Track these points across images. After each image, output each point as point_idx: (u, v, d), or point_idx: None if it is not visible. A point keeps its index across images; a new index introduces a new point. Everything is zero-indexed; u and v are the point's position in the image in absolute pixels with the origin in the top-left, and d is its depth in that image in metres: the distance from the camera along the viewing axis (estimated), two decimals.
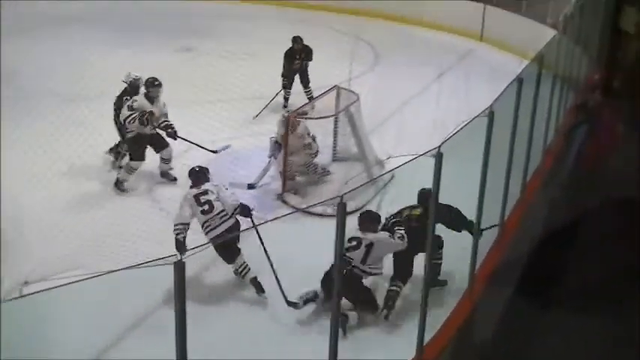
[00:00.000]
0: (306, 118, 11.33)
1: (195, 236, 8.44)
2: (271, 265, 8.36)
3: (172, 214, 9.56)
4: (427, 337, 7.02)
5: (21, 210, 9.52)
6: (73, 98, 13.65)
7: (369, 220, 8.34)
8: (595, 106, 15.65)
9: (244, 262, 8.59)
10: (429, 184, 6.52)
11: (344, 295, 7.99)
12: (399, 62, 18.09)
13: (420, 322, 6.95)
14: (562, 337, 8.04)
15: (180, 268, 4.26)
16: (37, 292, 4.12)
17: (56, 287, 4.08)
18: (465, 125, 6.81)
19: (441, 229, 8.34)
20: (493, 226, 8.79)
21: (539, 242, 9.86)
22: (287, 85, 14.69)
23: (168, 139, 11.36)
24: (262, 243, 8.29)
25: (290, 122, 11.02)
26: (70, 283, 4.08)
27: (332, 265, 7.90)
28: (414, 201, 8.59)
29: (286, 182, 11.04)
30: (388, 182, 11.19)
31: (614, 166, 12.35)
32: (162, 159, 11.50)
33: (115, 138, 11.79)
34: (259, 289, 8.58)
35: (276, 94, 14.58)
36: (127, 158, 11.50)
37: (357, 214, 8.35)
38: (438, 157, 6.24)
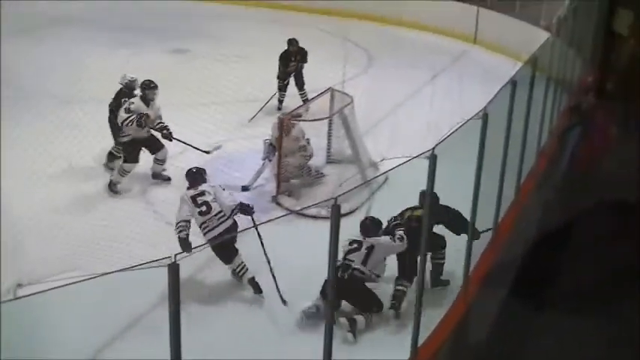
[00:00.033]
0: (300, 121, 11.33)
1: (193, 237, 8.46)
2: (269, 263, 8.37)
3: (166, 217, 9.59)
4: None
5: (17, 211, 9.49)
6: (69, 100, 13.62)
7: (370, 226, 8.41)
8: (588, 109, 15.67)
9: (242, 263, 8.59)
10: (423, 186, 6.53)
11: (347, 299, 8.04)
12: (392, 64, 18.11)
13: (415, 324, 6.96)
14: (556, 339, 8.05)
15: (174, 270, 4.26)
16: (32, 294, 4.11)
17: (51, 289, 4.08)
18: (459, 127, 6.82)
19: (442, 230, 8.42)
20: (488, 230, 8.82)
21: (533, 244, 9.87)
22: (282, 88, 14.69)
23: (164, 141, 11.35)
24: (262, 242, 8.29)
25: (285, 125, 11.03)
26: (64, 286, 4.08)
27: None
28: (408, 203, 8.61)
29: (280, 184, 11.03)
30: (382, 184, 11.18)
31: (608, 169, 12.36)
32: (157, 160, 11.48)
33: (110, 142, 11.78)
34: (257, 289, 8.59)
35: (272, 97, 14.59)
36: (119, 160, 11.51)
37: (351, 216, 8.37)
38: (432, 159, 6.25)
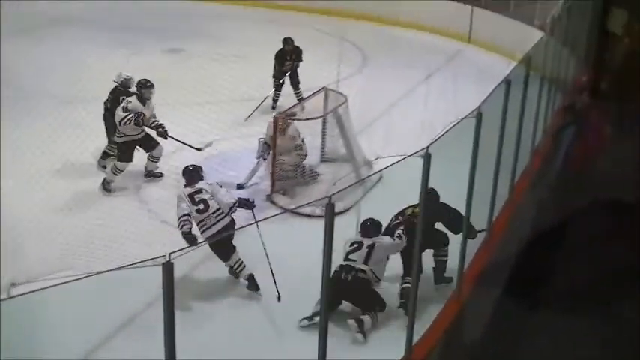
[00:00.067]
0: (294, 120, 11.33)
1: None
2: (267, 258, 8.37)
3: (161, 215, 9.60)
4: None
5: (12, 211, 9.48)
6: (69, 99, 13.63)
7: (371, 227, 8.47)
8: (583, 108, 15.70)
9: (239, 259, 8.61)
10: (417, 185, 6.53)
11: (349, 300, 8.04)
12: (386, 64, 18.13)
13: (409, 322, 6.97)
14: (550, 338, 8.07)
15: (168, 268, 4.26)
16: (26, 293, 4.11)
17: (45, 288, 4.07)
18: (453, 126, 6.83)
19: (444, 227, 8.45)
20: (482, 231, 8.84)
21: (527, 243, 9.89)
22: (277, 87, 14.69)
23: (158, 139, 11.35)
24: (261, 237, 8.29)
25: (280, 124, 11.03)
26: (58, 284, 4.08)
27: (333, 273, 7.99)
28: (402, 201, 8.62)
29: (275, 183, 11.03)
30: (376, 183, 11.21)
31: (602, 168, 12.39)
32: (152, 157, 11.48)
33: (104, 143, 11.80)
34: (254, 286, 8.60)
35: (267, 96, 14.58)
36: (112, 159, 11.52)
37: (345, 215, 8.38)
38: (426, 158, 6.26)
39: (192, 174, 8.91)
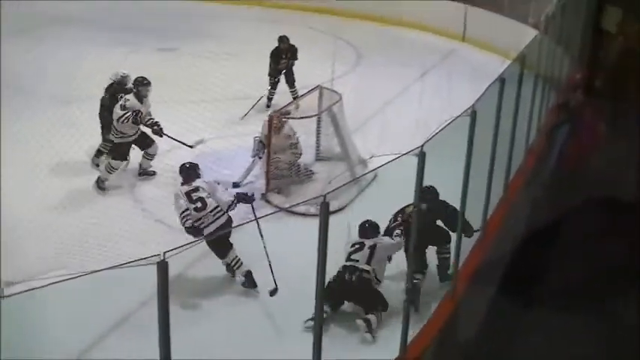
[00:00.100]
0: (288, 118, 11.32)
1: (183, 236, 8.45)
2: (265, 252, 8.38)
3: (155, 214, 9.59)
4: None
5: (6, 210, 9.47)
6: (64, 99, 13.62)
7: (369, 229, 8.50)
8: (577, 106, 15.71)
9: (237, 257, 8.62)
10: (412, 183, 6.54)
11: (352, 300, 8.04)
12: (381, 62, 18.12)
13: (404, 321, 6.97)
14: (544, 336, 8.07)
15: (163, 268, 4.26)
16: (20, 292, 4.10)
17: (39, 288, 4.07)
18: (448, 124, 6.83)
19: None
20: (477, 231, 8.86)
21: (522, 241, 9.90)
22: (273, 85, 14.65)
23: (154, 136, 11.35)
24: (261, 233, 8.30)
25: (275, 122, 11.03)
26: (52, 284, 4.07)
27: (335, 275, 7.99)
28: (397, 200, 8.61)
29: (270, 182, 11.02)
30: (371, 181, 11.21)
31: (596, 166, 12.40)
32: (147, 154, 11.50)
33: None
34: (252, 283, 8.62)
35: (263, 95, 14.56)
36: (107, 157, 11.53)
37: (340, 213, 8.38)
38: (421, 157, 6.26)
39: (189, 172, 8.89)
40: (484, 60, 18.15)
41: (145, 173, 11.55)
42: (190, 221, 8.52)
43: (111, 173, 11.15)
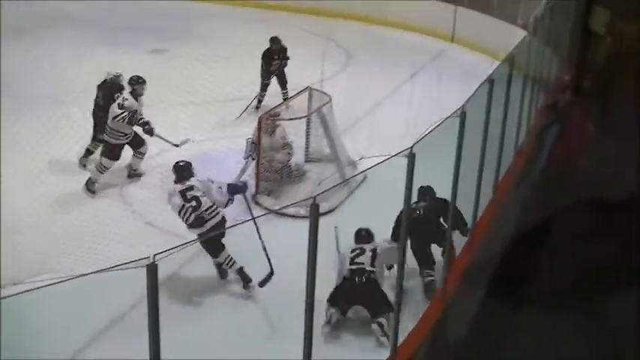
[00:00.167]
0: (278, 120, 11.32)
1: (174, 239, 8.42)
2: (260, 239, 8.42)
3: (145, 217, 9.58)
4: None
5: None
6: (54, 99, 13.60)
7: (365, 236, 8.55)
8: (565, 107, 15.75)
9: (229, 255, 8.63)
10: (401, 185, 6.54)
11: (362, 304, 8.02)
12: (370, 63, 18.12)
13: (395, 323, 6.98)
14: (534, 337, 8.09)
15: (152, 270, 4.24)
16: (10, 296, 4.09)
17: (29, 291, 4.06)
18: (437, 125, 6.84)
19: None
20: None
21: (511, 242, 9.92)
22: (264, 87, 14.59)
23: (144, 136, 11.37)
24: (259, 233, 8.32)
25: (269, 123, 11.05)
26: (43, 287, 4.06)
27: (343, 280, 7.99)
28: (387, 201, 8.61)
29: (259, 184, 11.02)
30: (361, 183, 11.22)
31: (585, 166, 12.44)
32: (139, 153, 11.50)
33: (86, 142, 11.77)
34: (246, 279, 8.63)
35: (257, 96, 14.54)
36: (94, 156, 11.60)
37: (330, 215, 8.38)
38: (411, 158, 6.26)
39: (183, 170, 8.84)
40: (473, 61, 18.20)
41: (134, 174, 11.53)
42: (193, 215, 8.52)
43: (102, 173, 11.13)
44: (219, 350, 7.31)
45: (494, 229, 9.66)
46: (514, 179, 11.13)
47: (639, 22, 16.62)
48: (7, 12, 18.54)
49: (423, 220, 8.60)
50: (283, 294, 8.09)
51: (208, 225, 8.55)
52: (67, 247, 9.04)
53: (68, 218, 10.12)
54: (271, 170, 11.11)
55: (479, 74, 9.48)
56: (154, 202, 10.45)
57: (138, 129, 11.23)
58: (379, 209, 8.82)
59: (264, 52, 14.50)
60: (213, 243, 8.54)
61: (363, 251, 8.27)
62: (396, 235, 8.45)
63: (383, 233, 8.53)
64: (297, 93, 12.20)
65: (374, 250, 8.27)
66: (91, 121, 11.82)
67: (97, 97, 11.75)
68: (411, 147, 6.23)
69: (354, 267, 8.15)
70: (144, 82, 11.23)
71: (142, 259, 4.20)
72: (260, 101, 14.53)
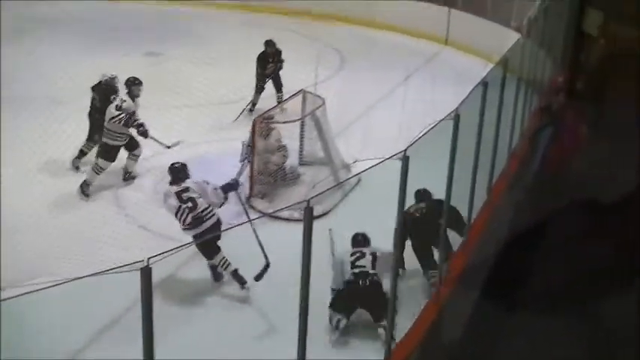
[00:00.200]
0: (272, 122, 11.32)
1: (169, 242, 8.40)
2: (259, 243, 8.45)
3: (138, 220, 9.57)
4: None
5: None
6: (48, 102, 13.58)
7: (361, 240, 8.53)
8: (559, 109, 15.76)
9: (224, 257, 8.63)
10: (395, 188, 6.55)
11: (365, 307, 8.02)
12: (364, 66, 18.11)
13: (389, 325, 6.98)
14: (528, 339, 8.09)
15: (146, 273, 4.25)
16: (4, 299, 4.09)
17: (24, 294, 4.06)
18: (431, 128, 6.85)
19: None
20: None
21: (505, 245, 9.92)
22: (259, 90, 14.54)
23: (138, 138, 11.40)
24: (256, 234, 8.32)
25: (263, 126, 11.06)
26: (37, 290, 4.06)
27: (346, 284, 7.99)
28: (381, 204, 8.61)
29: (253, 187, 11.01)
30: (355, 186, 11.22)
31: (578, 169, 12.44)
32: (133, 155, 11.51)
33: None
34: (241, 281, 8.64)
35: (254, 98, 14.51)
36: (87, 158, 11.62)
37: (324, 218, 8.38)
38: (405, 160, 6.27)
39: (179, 172, 8.86)
40: (467, 63, 18.19)
41: (130, 177, 11.53)
42: (190, 215, 8.50)
43: (98, 174, 11.13)
44: (213, 352, 7.31)
45: (488, 231, 9.67)
46: (508, 182, 11.14)
47: (633, 25, 16.65)
48: (3, 13, 18.47)
49: (424, 220, 8.64)
50: (278, 297, 8.10)
51: (205, 226, 8.56)
52: (62, 250, 9.02)
53: (62, 221, 10.11)
54: (266, 172, 11.12)
55: (473, 77, 9.49)
56: (147, 205, 10.47)
57: (132, 131, 11.23)
58: (373, 212, 8.83)
59: (259, 55, 14.46)
60: (208, 245, 8.56)
61: (363, 255, 8.26)
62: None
63: (377, 236, 8.52)
64: (291, 96, 12.19)
65: (374, 254, 8.27)
66: (86, 122, 11.80)
67: (92, 98, 11.75)
68: (405, 150, 6.24)
69: (356, 270, 8.13)
70: (140, 83, 11.30)
71: (136, 262, 4.20)
72: (254, 104, 14.48)
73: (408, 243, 8.62)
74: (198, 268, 8.84)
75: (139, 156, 11.51)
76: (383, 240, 8.20)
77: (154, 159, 11.58)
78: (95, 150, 11.66)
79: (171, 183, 8.78)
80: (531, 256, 9.66)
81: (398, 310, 7.84)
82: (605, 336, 8.29)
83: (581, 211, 10.66)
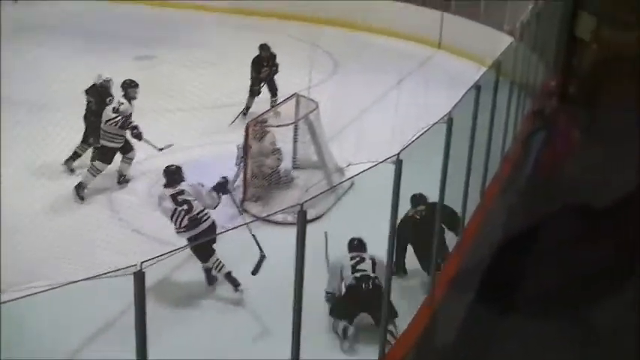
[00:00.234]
0: (265, 126, 11.33)
1: (163, 246, 8.42)
2: (253, 237, 8.49)
3: (132, 224, 9.57)
4: None
5: None
6: (41, 106, 13.56)
7: (358, 245, 8.57)
8: (552, 113, 15.78)
9: (218, 259, 8.65)
10: (389, 191, 6.55)
11: (369, 311, 8.01)
12: (357, 70, 18.14)
13: (382, 329, 6.99)
14: (520, 343, 8.10)
15: (139, 278, 4.25)
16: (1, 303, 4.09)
17: (16, 299, 4.05)
18: (424, 132, 6.86)
19: None
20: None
21: (498, 248, 9.93)
22: (253, 94, 14.52)
23: (132, 140, 11.43)
24: (249, 228, 8.32)
25: (257, 129, 11.06)
26: (31, 295, 4.06)
27: (348, 288, 7.99)
28: (374, 208, 8.62)
29: (247, 191, 11.01)
30: (348, 189, 11.23)
31: (571, 173, 12.46)
32: (127, 158, 11.53)
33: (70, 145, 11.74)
34: (234, 283, 8.64)
35: (250, 102, 14.49)
36: (80, 161, 11.65)
37: (317, 222, 8.38)
38: (398, 164, 6.27)
39: (174, 174, 8.86)
40: (460, 67, 18.21)
41: (124, 181, 11.53)
42: (187, 218, 8.52)
43: (95, 176, 11.15)
44: (207, 355, 7.32)
45: (481, 235, 9.68)
46: (501, 186, 11.15)
47: (625, 30, 16.70)
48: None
49: (424, 222, 8.66)
50: (271, 300, 8.10)
51: (201, 228, 8.57)
52: (56, 253, 9.02)
53: (57, 224, 10.12)
54: (261, 176, 11.12)
55: (465, 80, 9.50)
56: (141, 209, 10.46)
57: (126, 133, 11.25)
58: (366, 216, 8.84)
59: (254, 59, 14.45)
60: (203, 248, 8.57)
61: (363, 259, 8.28)
62: (398, 239, 8.50)
63: (370, 240, 8.54)
64: (285, 100, 12.21)
65: (372, 259, 8.28)
66: (80, 126, 11.81)
67: (88, 101, 11.74)
68: (398, 153, 6.24)
69: (358, 274, 8.15)
70: (136, 85, 11.35)
71: (130, 266, 4.20)
72: (248, 108, 14.44)
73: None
74: (192, 271, 8.84)
75: (132, 159, 11.54)
76: (376, 244, 8.25)
77: (147, 162, 11.58)
78: (89, 152, 11.68)
79: (166, 185, 8.79)
80: (524, 259, 9.67)
81: (398, 311, 7.93)
82: (597, 340, 8.30)
83: (574, 215, 10.67)
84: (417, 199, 8.94)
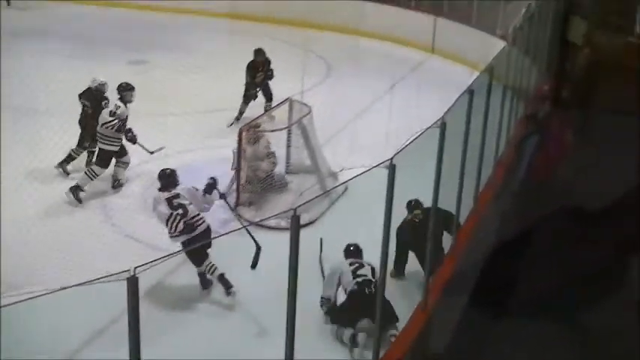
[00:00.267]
0: (259, 131, 11.32)
1: (156, 252, 8.41)
2: (247, 231, 8.48)
3: (125, 229, 9.56)
4: None
5: None
6: (26, 111, 13.53)
7: (354, 251, 8.56)
8: (545, 117, 15.82)
9: (210, 262, 8.63)
10: (382, 196, 6.54)
11: (369, 315, 7.98)
12: (350, 74, 18.16)
13: (376, 332, 6.98)
14: (514, 346, 8.11)
15: (133, 283, 4.23)
16: None
17: (11, 304, 4.04)
18: (418, 136, 6.85)
19: None
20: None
21: (492, 252, 9.95)
22: (247, 99, 14.46)
23: (126, 144, 11.42)
24: (241, 222, 8.31)
25: (252, 134, 11.06)
26: (23, 300, 4.05)
27: (350, 294, 7.98)
28: (367, 213, 8.61)
29: (241, 195, 11.00)
30: (342, 194, 11.22)
31: (564, 176, 12.50)
32: (122, 162, 11.51)
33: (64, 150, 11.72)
34: (227, 285, 8.62)
35: (248, 106, 14.47)
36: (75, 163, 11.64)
37: (311, 227, 8.36)
38: (391, 169, 6.26)
39: (169, 178, 8.85)
40: (453, 71, 18.26)
41: (118, 185, 11.51)
42: (182, 222, 8.50)
43: (92, 180, 11.15)
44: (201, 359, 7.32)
45: (475, 239, 9.68)
46: (494, 190, 11.15)
47: (616, 34, 16.76)
48: None
49: (423, 225, 8.60)
50: (265, 304, 8.10)
51: (197, 232, 8.55)
52: (49, 259, 9.00)
53: (51, 229, 10.07)
54: (255, 180, 11.11)
55: (459, 85, 9.50)
56: (134, 214, 10.45)
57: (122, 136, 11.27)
58: (360, 220, 8.83)
59: (249, 64, 14.39)
60: (198, 252, 8.56)
61: (361, 265, 8.28)
62: (398, 243, 8.52)
63: (365, 244, 8.54)
64: (278, 104, 12.21)
65: (371, 265, 8.28)
66: (74, 130, 11.78)
67: (84, 105, 11.73)
68: (392, 158, 6.23)
69: (359, 280, 8.14)
70: (132, 89, 11.33)
71: (123, 271, 4.19)
72: (242, 113, 14.39)
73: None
74: (187, 275, 8.82)
75: (127, 163, 11.53)
76: (370, 248, 8.25)
77: (140, 167, 11.57)
78: (83, 156, 11.67)
79: (161, 189, 8.77)
80: (517, 263, 9.69)
81: (398, 313, 7.93)
82: (591, 342, 8.31)
83: (567, 218, 10.71)
84: (413, 205, 8.94)
